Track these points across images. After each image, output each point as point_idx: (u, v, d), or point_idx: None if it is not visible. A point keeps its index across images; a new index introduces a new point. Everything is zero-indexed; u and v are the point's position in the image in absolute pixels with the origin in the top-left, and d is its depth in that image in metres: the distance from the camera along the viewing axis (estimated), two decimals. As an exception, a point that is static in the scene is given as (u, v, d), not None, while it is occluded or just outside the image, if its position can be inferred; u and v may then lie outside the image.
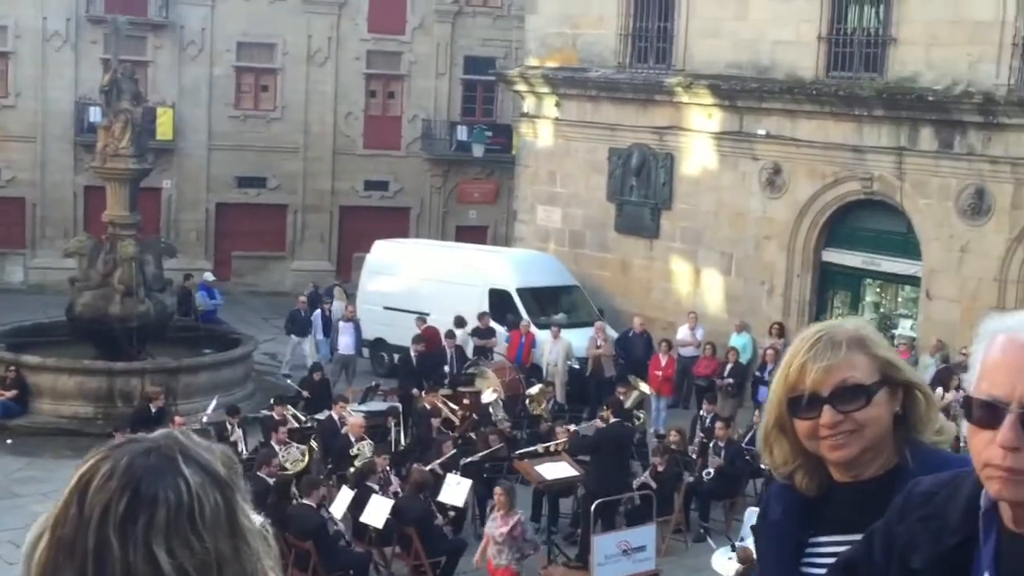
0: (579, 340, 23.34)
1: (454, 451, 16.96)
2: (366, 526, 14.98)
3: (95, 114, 29.07)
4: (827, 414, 2.68)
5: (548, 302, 25.30)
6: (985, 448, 2.06)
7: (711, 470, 17.23)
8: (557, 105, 27.98)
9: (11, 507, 17.07)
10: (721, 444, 17.54)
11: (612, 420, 16.57)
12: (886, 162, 22.26)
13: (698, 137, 25.29)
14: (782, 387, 2.75)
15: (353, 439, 17.39)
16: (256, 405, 21.01)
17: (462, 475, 16.08)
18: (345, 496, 15.19)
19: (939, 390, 17.40)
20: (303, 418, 19.01)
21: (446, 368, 22.08)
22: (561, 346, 23.01)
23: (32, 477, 18.66)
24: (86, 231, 28.35)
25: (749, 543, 12.80)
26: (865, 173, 22.59)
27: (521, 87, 28.94)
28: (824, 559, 2.74)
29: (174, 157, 34.49)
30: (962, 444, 2.35)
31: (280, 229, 36.07)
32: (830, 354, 2.70)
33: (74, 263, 23.62)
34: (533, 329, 23.75)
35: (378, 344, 25.86)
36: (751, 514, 14.78)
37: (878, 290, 23.95)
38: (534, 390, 20.93)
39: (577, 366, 23.30)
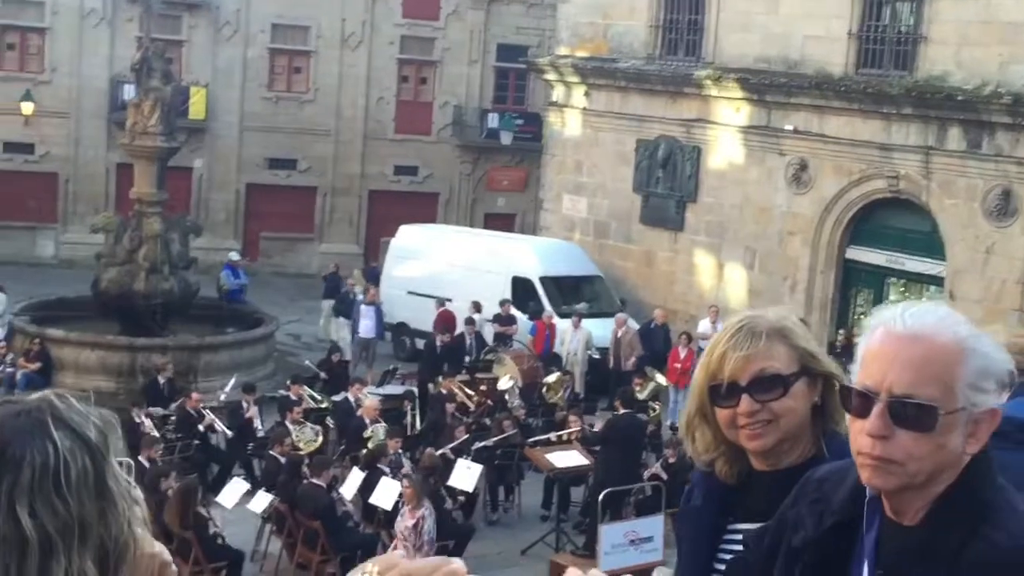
0: (600, 330, 23.37)
1: (467, 436, 17.04)
2: (375, 508, 15.08)
3: (129, 92, 29.23)
4: (745, 403, 2.71)
5: (571, 291, 25.33)
6: (858, 436, 2.12)
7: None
8: (586, 95, 27.97)
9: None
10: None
11: (622, 411, 16.59)
12: (913, 161, 22.13)
13: (725, 131, 25.23)
14: (703, 375, 2.79)
15: (368, 421, 17.49)
16: (276, 385, 21.13)
17: (474, 461, 16.16)
18: (356, 477, 15.30)
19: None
20: (319, 398, 19.14)
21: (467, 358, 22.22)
22: (581, 335, 23.04)
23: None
24: (117, 208, 28.67)
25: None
26: (892, 171, 22.47)
27: (551, 76, 28.94)
28: (740, 546, 2.76)
29: (206, 137, 34.73)
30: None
31: (309, 211, 36.24)
32: (750, 344, 2.73)
33: (103, 239, 23.83)
34: (555, 319, 23.79)
35: (400, 328, 25.97)
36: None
37: (902, 289, 23.81)
38: (551, 378, 20.97)
39: (598, 356, 23.33)
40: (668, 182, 26.37)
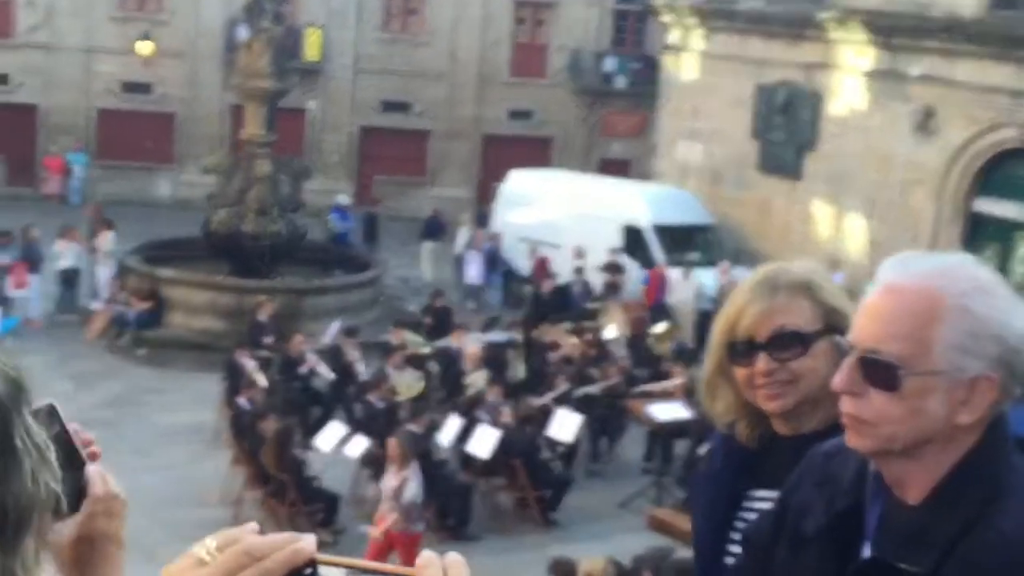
0: (712, 280, 22.80)
1: (568, 385, 16.71)
2: (472, 456, 14.88)
3: (243, 33, 29.31)
4: (762, 361, 2.53)
5: (683, 240, 24.75)
6: None
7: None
8: (704, 37, 27.20)
9: (135, 416, 17.46)
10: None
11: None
12: (1047, 108, 21.05)
13: (848, 75, 24.30)
14: (722, 331, 2.60)
15: (469, 368, 17.28)
16: (382, 330, 21.05)
17: (576, 410, 15.84)
18: (454, 424, 15.10)
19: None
20: (422, 343, 18.97)
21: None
22: (691, 286, 22.50)
23: (158, 388, 19.04)
24: (231, 149, 28.80)
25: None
26: (1024, 119, 21.41)
27: (668, 18, 28.20)
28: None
29: (320, 79, 34.70)
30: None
31: (422, 155, 36.08)
32: (769, 298, 2.53)
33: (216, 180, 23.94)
34: (666, 268, 23.29)
35: (509, 275, 25.69)
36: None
37: (1031, 243, 22.77)
38: (659, 328, 20.50)
39: (710, 307, 22.76)
40: (786, 129, 25.56)
